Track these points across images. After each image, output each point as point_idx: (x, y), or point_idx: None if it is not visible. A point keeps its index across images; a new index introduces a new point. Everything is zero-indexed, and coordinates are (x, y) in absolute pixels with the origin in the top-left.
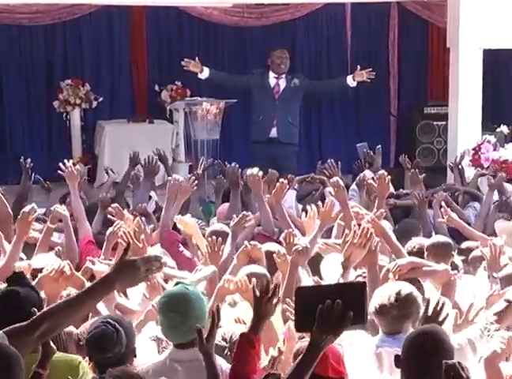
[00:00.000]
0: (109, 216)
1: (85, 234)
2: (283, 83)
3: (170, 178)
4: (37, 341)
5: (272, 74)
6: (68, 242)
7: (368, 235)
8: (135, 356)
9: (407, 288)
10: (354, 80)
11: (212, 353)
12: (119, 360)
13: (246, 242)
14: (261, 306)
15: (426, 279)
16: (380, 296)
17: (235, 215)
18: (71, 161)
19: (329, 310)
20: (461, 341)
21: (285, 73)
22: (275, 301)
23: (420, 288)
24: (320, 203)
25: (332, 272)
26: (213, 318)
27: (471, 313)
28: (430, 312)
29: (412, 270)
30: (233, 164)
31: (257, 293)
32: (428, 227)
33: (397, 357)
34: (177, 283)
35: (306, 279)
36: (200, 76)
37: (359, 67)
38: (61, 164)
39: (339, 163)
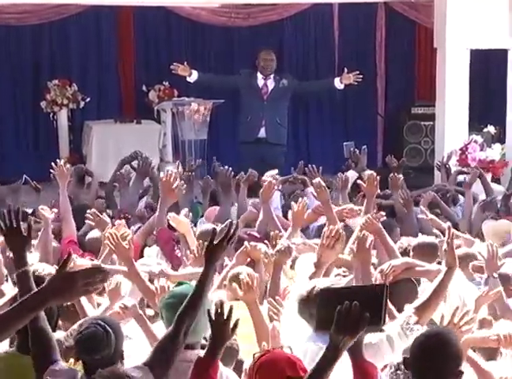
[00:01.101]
0: (87, 221)
1: (69, 233)
2: (271, 84)
3: (163, 174)
4: None
5: (260, 75)
6: (44, 245)
7: (337, 236)
8: (122, 358)
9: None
10: (341, 82)
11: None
12: (108, 362)
13: (246, 243)
14: (218, 330)
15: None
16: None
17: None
18: (62, 160)
19: (347, 312)
20: (379, 337)
21: (273, 74)
22: (232, 323)
23: (414, 289)
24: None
25: (306, 271)
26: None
27: (456, 316)
28: None
29: (406, 270)
30: (226, 167)
31: (213, 317)
32: (414, 227)
33: (404, 359)
34: (181, 283)
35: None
36: (189, 79)
37: (346, 70)
38: (53, 164)
39: (320, 167)
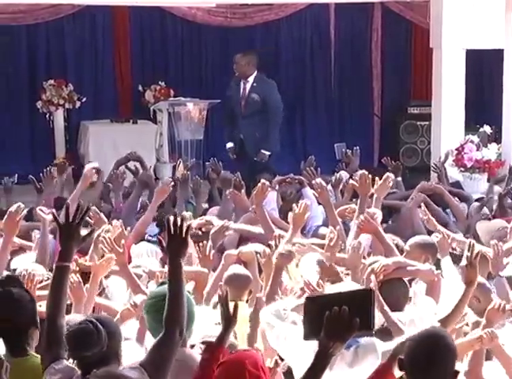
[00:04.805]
0: (87, 219)
1: None
2: (246, 92)
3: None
4: None
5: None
6: (41, 246)
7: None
8: (119, 359)
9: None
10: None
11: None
12: (100, 360)
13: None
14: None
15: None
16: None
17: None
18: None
19: (336, 317)
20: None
21: (255, 78)
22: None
23: (404, 288)
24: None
25: (309, 272)
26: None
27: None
28: None
29: (397, 270)
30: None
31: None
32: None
33: (400, 360)
34: (162, 283)
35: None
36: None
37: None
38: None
39: (318, 169)
